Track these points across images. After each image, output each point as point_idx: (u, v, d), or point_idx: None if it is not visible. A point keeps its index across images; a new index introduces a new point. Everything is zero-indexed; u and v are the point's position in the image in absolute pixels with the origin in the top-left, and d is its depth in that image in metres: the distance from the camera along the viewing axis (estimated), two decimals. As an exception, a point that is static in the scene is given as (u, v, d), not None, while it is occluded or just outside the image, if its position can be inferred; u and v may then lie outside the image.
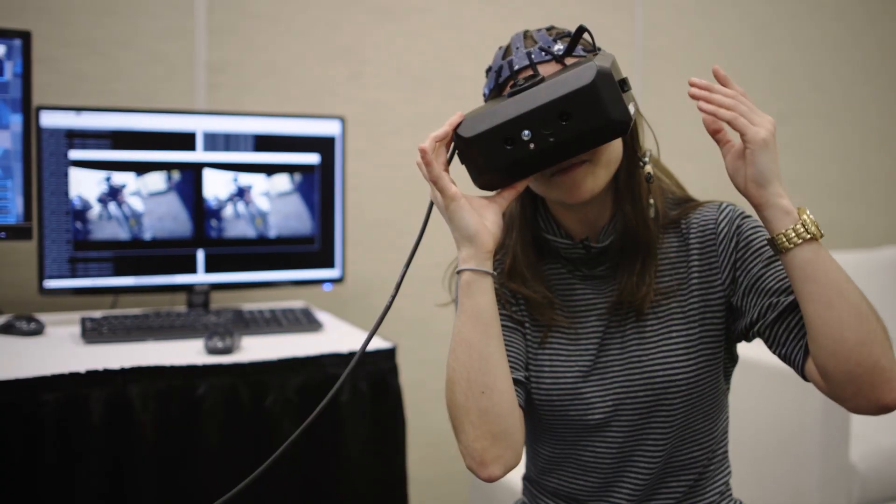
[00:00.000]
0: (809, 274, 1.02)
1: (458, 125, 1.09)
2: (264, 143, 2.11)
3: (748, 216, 1.21)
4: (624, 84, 1.05)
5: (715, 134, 1.08)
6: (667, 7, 3.02)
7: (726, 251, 1.19)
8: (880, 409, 1.03)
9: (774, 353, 1.14)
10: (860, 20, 3.51)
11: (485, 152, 1.07)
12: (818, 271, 1.02)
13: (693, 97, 1.06)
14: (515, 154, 1.06)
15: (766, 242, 1.16)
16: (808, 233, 1.02)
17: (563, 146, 1.05)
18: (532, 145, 1.05)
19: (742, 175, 1.05)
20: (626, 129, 1.05)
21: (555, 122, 1.04)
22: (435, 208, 1.12)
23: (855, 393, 1.03)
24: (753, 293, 1.15)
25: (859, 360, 1.01)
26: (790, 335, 1.11)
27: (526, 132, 1.05)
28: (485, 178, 1.10)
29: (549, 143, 1.05)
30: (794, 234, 1.02)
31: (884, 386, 1.02)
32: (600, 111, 1.03)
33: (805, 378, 1.11)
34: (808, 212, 1.04)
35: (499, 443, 1.10)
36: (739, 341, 1.24)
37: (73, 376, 1.57)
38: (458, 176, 1.10)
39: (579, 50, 1.13)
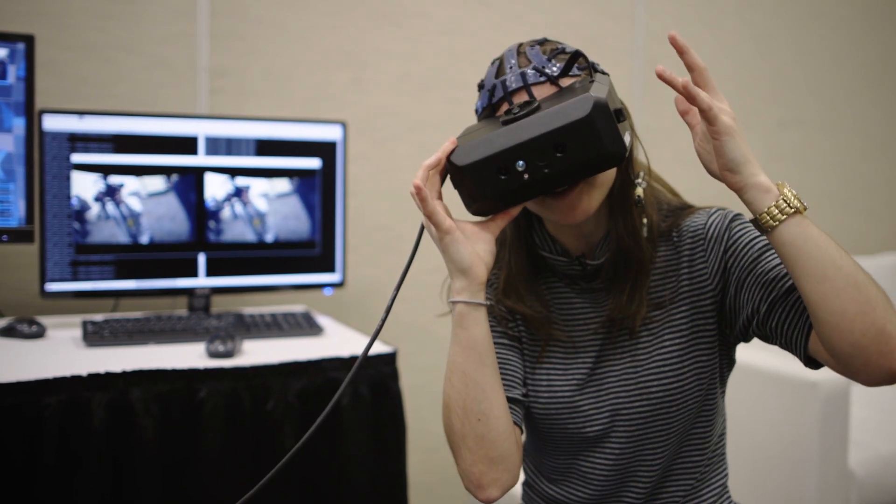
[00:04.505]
0: (799, 248, 0.99)
1: (452, 152, 1.08)
2: (266, 147, 2.12)
3: (739, 215, 1.20)
4: (619, 114, 1.04)
5: (684, 115, 1.07)
6: (668, 15, 3.03)
7: (716, 254, 1.18)
8: (893, 376, 0.99)
9: (775, 344, 1.12)
10: (860, 28, 3.52)
11: (478, 181, 1.06)
12: (808, 244, 0.99)
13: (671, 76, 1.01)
14: (509, 183, 1.05)
15: (755, 237, 1.15)
16: (791, 207, 0.99)
17: (556, 176, 1.05)
18: (526, 175, 1.05)
19: (714, 163, 1.03)
20: (621, 160, 1.05)
21: (549, 154, 1.03)
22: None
23: (865, 364, 0.99)
24: (746, 288, 1.13)
25: (863, 329, 0.97)
26: (786, 323, 1.08)
27: (520, 162, 1.04)
28: (477, 205, 1.09)
29: (543, 173, 1.04)
30: (776, 211, 1.00)
31: (894, 353, 0.98)
32: (595, 143, 1.02)
33: (809, 363, 1.08)
34: (787, 186, 1.01)
35: (496, 466, 1.11)
36: (738, 343, 1.23)
37: (75, 379, 1.57)
38: (450, 198, 1.09)
39: (575, 69, 1.13)
